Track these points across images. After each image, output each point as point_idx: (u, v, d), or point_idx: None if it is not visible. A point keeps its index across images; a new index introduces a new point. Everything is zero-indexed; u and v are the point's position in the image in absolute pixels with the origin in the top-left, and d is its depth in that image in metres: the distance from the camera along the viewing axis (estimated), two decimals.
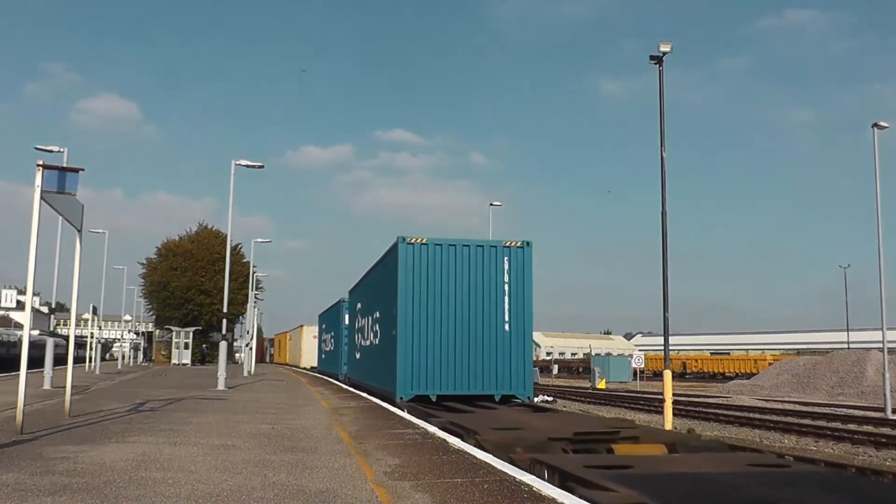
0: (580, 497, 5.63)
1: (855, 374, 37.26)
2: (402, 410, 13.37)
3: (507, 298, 14.67)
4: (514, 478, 6.29)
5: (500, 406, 14.10)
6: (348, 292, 26.62)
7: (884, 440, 16.39)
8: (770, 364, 52.10)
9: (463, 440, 8.97)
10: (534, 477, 6.39)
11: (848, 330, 74.00)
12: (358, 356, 22.87)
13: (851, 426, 20.03)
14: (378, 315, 17.96)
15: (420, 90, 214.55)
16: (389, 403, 14.63)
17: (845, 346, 65.58)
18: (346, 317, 27.01)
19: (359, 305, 22.90)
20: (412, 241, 14.63)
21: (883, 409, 23.67)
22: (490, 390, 14.51)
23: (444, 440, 9.02)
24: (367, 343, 20.05)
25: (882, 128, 24.76)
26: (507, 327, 14.58)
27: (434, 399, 14.28)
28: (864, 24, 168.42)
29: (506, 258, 14.79)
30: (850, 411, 25.54)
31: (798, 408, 27.42)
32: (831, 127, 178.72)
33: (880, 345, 26.08)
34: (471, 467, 6.92)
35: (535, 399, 22.18)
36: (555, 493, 5.64)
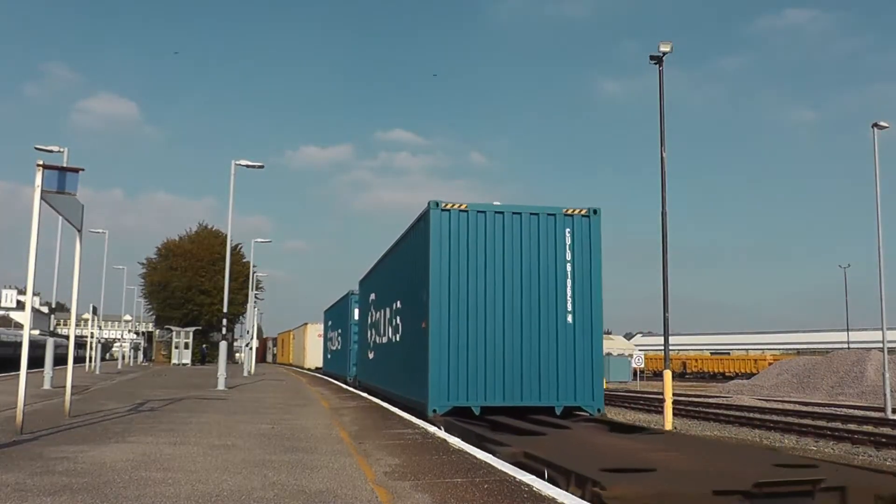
0: None
1: (855, 374, 37.27)
2: (438, 428, 10.40)
3: (569, 282, 11.78)
4: (514, 478, 6.29)
5: (565, 421, 11.07)
6: (358, 283, 23.93)
7: (884, 440, 16.38)
8: (770, 364, 52.11)
9: (558, 486, 6.23)
10: (534, 477, 6.38)
11: (848, 330, 74.01)
12: (371, 356, 20.04)
13: (851, 426, 20.03)
14: (399, 305, 15.05)
15: (420, 90, 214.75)
16: (418, 417, 11.72)
17: (845, 346, 65.57)
18: (356, 311, 24.60)
19: (372, 296, 19.96)
20: (448, 206, 11.69)
21: (883, 409, 23.67)
22: (549, 401, 11.60)
23: (444, 440, 9.02)
24: (384, 340, 17.19)
25: (882, 128, 24.76)
26: (569, 319, 11.74)
27: (477, 412, 11.32)
28: (864, 24, 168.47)
29: (567, 230, 11.89)
30: (850, 411, 25.54)
31: (798, 408, 27.42)
32: (831, 127, 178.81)
33: (880, 345, 26.07)
34: (471, 467, 6.92)
35: None
36: (555, 493, 5.64)
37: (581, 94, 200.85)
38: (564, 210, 12.02)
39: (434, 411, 11.28)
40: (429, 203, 11.81)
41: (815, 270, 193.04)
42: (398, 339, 15.11)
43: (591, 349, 11.88)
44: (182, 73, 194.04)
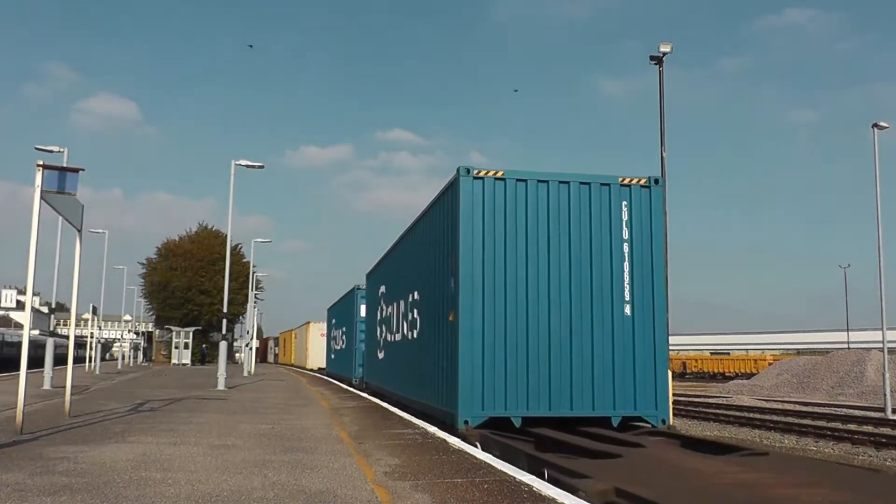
0: None
1: (855, 374, 37.26)
2: (474, 445, 8.71)
3: (627, 265, 10.03)
4: (514, 478, 6.29)
5: (626, 435, 9.21)
6: (365, 276, 22.23)
7: (884, 440, 16.38)
8: (770, 364, 52.09)
9: None
10: (534, 477, 6.39)
11: (848, 330, 74.07)
12: (381, 356, 18.13)
13: (851, 426, 20.03)
14: (416, 297, 13.18)
15: (419, 90, 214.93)
16: (447, 431, 9.79)
17: (845, 346, 65.60)
18: (362, 307, 23.27)
19: (382, 289, 18.13)
20: (481, 173, 9.90)
21: (883, 409, 23.67)
22: (604, 410, 9.75)
23: (444, 440, 9.02)
24: (397, 337, 15.35)
25: (882, 128, 24.76)
26: (627, 310, 9.96)
27: (518, 425, 9.50)
28: (864, 24, 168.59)
29: (624, 203, 10.14)
30: (850, 411, 25.54)
31: (798, 408, 27.42)
32: (831, 127, 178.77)
33: (880, 345, 26.08)
34: (471, 467, 6.92)
35: None
36: (555, 493, 5.64)
37: (581, 93, 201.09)
38: (620, 179, 10.23)
39: (466, 423, 9.41)
40: (458, 170, 9.96)
41: (815, 270, 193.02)
42: (415, 335, 13.31)
43: (654, 346, 10.00)
44: (182, 73, 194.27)
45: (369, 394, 19.19)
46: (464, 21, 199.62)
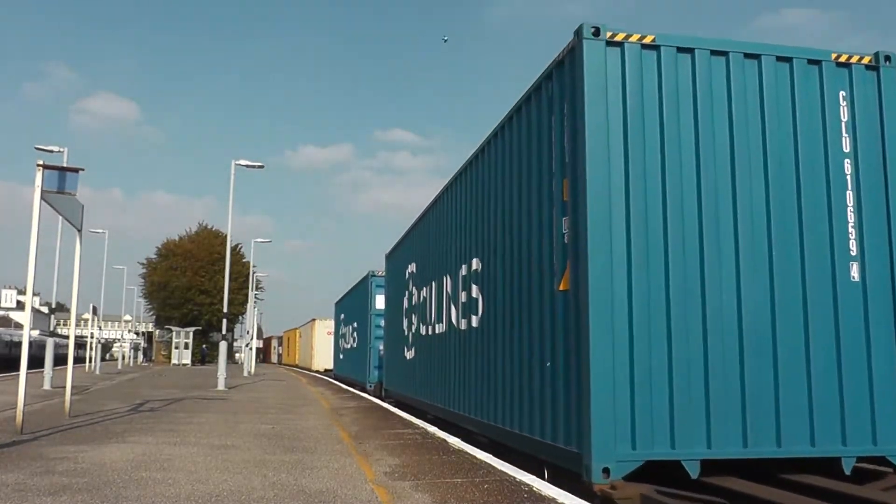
0: None
1: None
2: None
3: (850, 196, 6.24)
4: (514, 478, 6.29)
5: (879, 492, 5.47)
6: (385, 257, 18.52)
7: None
8: None
9: None
10: (534, 477, 6.39)
11: None
12: (410, 355, 14.30)
13: None
14: (476, 267, 9.20)
15: (419, 90, 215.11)
16: (551, 481, 6.20)
17: None
18: (380, 298, 20.12)
19: (411, 269, 14.34)
20: (618, 37, 6.07)
21: None
22: (829, 446, 5.90)
23: (444, 440, 9.03)
24: (440, 329, 11.39)
25: None
26: (854, 273, 6.15)
27: (695, 474, 5.60)
28: (864, 23, 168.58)
29: (842, 94, 6.36)
30: None
31: None
32: None
33: None
34: (471, 467, 6.92)
35: None
36: (555, 493, 5.64)
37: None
38: (834, 56, 6.41)
39: (605, 471, 5.45)
40: (579, 30, 6.11)
41: None
42: (474, 323, 9.25)
43: None
44: (182, 74, 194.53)
45: (392, 404, 15.87)
46: (464, 20, 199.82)
